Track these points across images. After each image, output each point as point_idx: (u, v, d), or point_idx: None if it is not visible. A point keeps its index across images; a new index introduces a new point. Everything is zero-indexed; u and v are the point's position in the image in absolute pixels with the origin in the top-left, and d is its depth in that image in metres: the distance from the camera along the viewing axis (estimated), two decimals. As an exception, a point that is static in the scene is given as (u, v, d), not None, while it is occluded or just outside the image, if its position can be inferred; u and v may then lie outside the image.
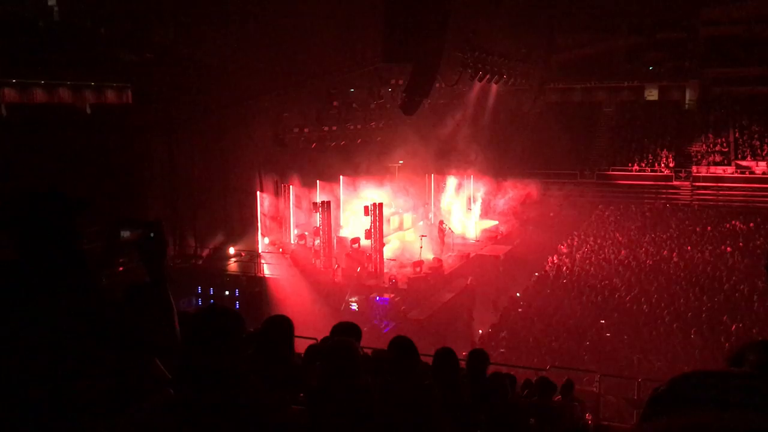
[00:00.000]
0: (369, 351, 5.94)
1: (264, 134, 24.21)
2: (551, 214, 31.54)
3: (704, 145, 35.26)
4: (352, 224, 25.59)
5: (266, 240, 24.85)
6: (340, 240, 24.09)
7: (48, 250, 2.03)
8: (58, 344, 1.93)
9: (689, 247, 25.44)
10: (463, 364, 5.99)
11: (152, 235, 2.34)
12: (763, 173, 32.73)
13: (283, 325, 3.96)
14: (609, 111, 40.26)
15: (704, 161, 34.34)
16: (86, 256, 2.11)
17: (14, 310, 1.96)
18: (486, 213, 31.61)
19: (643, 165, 35.00)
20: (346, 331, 4.49)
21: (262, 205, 24.89)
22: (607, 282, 21.72)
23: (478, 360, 5.58)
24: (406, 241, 26.06)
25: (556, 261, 24.76)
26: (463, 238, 28.77)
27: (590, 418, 9.63)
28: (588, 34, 39.81)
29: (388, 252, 23.84)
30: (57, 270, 2.03)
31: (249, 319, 2.44)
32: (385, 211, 24.27)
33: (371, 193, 26.03)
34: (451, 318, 21.01)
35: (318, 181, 25.53)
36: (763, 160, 33.18)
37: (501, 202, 31.55)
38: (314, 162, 25.64)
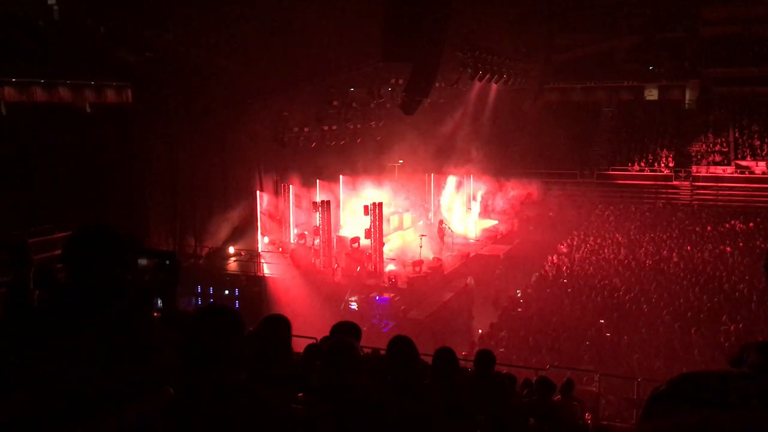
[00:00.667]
0: (369, 350, 5.95)
1: (264, 134, 24.20)
2: (551, 214, 31.53)
3: (704, 145, 35.25)
4: (352, 224, 25.58)
5: (266, 239, 24.85)
6: (340, 239, 24.08)
7: (94, 280, 2.23)
8: (82, 354, 2.07)
9: (689, 247, 25.43)
10: (462, 363, 6.00)
11: (168, 263, 2.54)
12: (763, 173, 32.73)
13: (281, 324, 3.96)
14: (609, 111, 40.25)
15: (704, 161, 34.34)
16: (126, 285, 2.34)
17: (54, 324, 2.14)
18: (486, 212, 31.60)
19: (643, 165, 34.99)
20: (346, 331, 4.49)
21: (261, 205, 24.89)
22: (606, 282, 21.70)
23: (486, 361, 5.59)
24: (406, 240, 26.07)
25: (555, 261, 24.75)
26: (464, 237, 28.77)
27: (590, 417, 9.64)
28: (588, 34, 39.81)
29: (387, 251, 23.84)
30: (100, 294, 2.22)
31: (248, 319, 2.48)
32: (385, 211, 24.26)
33: (371, 192, 26.03)
34: (450, 317, 21.01)
35: (318, 180, 25.52)
36: (762, 160, 33.18)
37: (501, 202, 31.54)
38: (314, 161, 25.63)
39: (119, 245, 2.29)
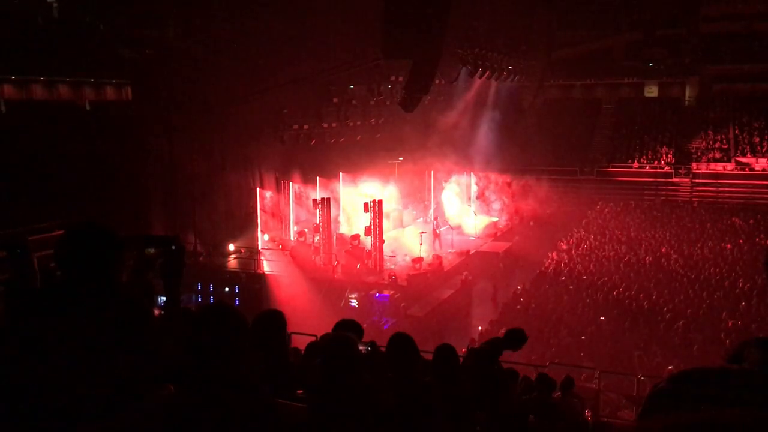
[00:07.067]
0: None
1: (264, 131, 24.19)
2: (550, 211, 31.53)
3: (704, 142, 35.27)
4: (352, 221, 25.58)
5: (266, 237, 24.84)
6: (340, 237, 24.07)
7: (87, 278, 2.23)
8: (75, 351, 2.06)
9: (689, 244, 25.44)
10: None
11: (174, 247, 2.61)
12: (763, 170, 32.74)
13: (276, 319, 3.96)
14: (609, 108, 40.25)
15: (704, 158, 34.37)
16: (120, 282, 2.35)
17: (47, 323, 2.14)
18: (485, 209, 31.59)
19: (643, 161, 35.01)
20: (347, 329, 4.48)
21: (261, 202, 24.88)
22: (606, 278, 21.70)
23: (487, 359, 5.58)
24: (406, 237, 26.05)
25: (555, 258, 24.75)
26: (463, 234, 28.75)
27: (589, 414, 9.64)
28: (588, 31, 39.80)
29: (387, 248, 23.83)
30: (92, 292, 2.22)
31: (248, 316, 2.49)
32: (385, 208, 24.24)
33: (371, 189, 26.01)
34: (450, 314, 21.01)
35: (318, 177, 25.50)
36: (762, 156, 33.19)
37: (501, 199, 31.52)
38: (314, 159, 25.62)
39: (111, 243, 2.28)
